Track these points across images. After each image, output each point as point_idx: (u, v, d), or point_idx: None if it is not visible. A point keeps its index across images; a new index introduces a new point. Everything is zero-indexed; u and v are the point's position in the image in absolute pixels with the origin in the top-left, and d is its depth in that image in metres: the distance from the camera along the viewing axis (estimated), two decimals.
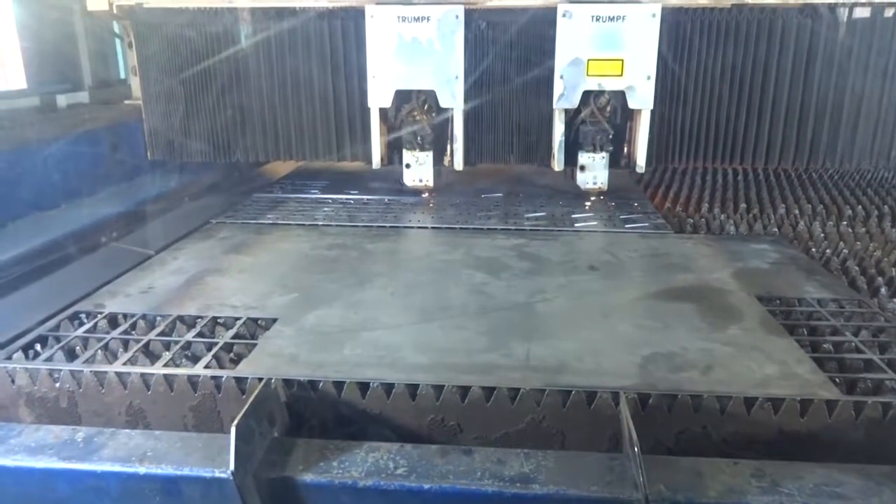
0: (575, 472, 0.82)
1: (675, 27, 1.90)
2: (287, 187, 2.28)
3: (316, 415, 0.98)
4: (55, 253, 1.62)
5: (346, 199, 2.11)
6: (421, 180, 2.06)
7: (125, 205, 1.98)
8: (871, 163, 2.01)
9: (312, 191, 2.22)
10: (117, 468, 0.84)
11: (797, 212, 1.97)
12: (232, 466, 0.78)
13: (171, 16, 2.00)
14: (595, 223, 1.83)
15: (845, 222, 1.87)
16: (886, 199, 2.11)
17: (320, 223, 1.85)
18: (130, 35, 2.07)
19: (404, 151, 2.03)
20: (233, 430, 0.79)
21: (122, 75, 2.68)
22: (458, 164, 1.99)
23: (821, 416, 0.92)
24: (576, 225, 1.82)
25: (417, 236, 1.76)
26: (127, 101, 2.25)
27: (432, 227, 1.81)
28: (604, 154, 1.99)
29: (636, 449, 0.78)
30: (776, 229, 1.83)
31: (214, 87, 2.05)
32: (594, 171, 2.00)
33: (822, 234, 1.78)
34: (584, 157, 1.99)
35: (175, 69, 2.04)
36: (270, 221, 1.87)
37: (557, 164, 1.99)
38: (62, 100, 2.22)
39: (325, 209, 1.99)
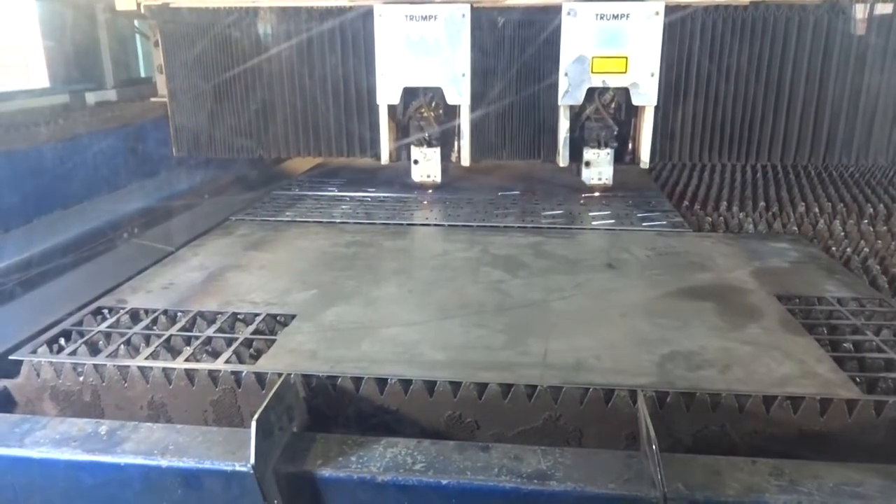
0: (592, 469, 0.82)
1: (693, 24, 1.89)
2: (304, 185, 2.30)
3: (334, 410, 0.99)
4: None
5: (364, 196, 2.12)
6: (429, 176, 2.08)
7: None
8: (887, 159, 2.00)
9: (330, 188, 2.23)
10: (140, 461, 0.85)
11: (817, 210, 1.95)
12: (252, 460, 0.79)
13: (198, 15, 2.03)
14: (612, 221, 1.83)
15: (866, 221, 1.85)
16: None
17: (338, 220, 1.86)
18: (157, 34, 2.10)
19: (412, 148, 2.06)
20: (253, 424, 0.80)
21: (143, 73, 2.72)
22: (465, 159, 2.01)
23: (841, 416, 0.91)
24: (593, 223, 1.82)
25: (434, 234, 1.76)
26: (153, 99, 2.29)
27: (449, 225, 1.81)
28: (608, 150, 2.00)
29: (654, 447, 0.78)
30: (796, 228, 1.82)
31: (239, 85, 2.08)
32: (599, 167, 2.02)
33: (843, 233, 1.76)
34: (589, 154, 2.01)
35: (201, 67, 2.07)
36: (289, 219, 1.88)
37: (562, 160, 2.01)
38: (91, 97, 2.26)
39: (343, 206, 2.00)
